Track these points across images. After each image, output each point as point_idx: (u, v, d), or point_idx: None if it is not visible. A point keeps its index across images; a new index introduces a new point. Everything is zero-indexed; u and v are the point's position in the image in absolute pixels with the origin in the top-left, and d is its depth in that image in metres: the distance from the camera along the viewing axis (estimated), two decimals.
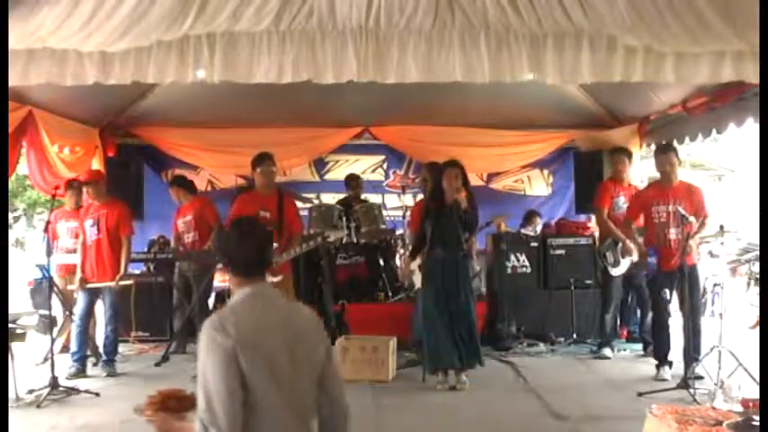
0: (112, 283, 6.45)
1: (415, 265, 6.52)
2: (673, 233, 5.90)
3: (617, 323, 7.36)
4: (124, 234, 6.61)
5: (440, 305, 5.86)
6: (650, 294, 6.40)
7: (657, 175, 6.36)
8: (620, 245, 6.84)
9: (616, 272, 6.95)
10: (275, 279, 6.22)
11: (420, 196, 7.99)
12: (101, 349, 6.67)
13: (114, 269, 6.48)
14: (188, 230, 7.43)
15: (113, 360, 6.60)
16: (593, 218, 9.05)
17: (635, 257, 6.68)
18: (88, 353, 6.60)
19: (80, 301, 6.46)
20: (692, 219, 5.64)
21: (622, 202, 6.97)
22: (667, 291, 5.92)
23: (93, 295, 6.51)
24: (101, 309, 6.79)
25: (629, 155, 7.52)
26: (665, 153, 6.18)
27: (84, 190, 6.75)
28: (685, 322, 5.69)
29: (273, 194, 6.33)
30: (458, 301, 5.80)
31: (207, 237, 7.38)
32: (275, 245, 6.18)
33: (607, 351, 6.99)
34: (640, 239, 6.40)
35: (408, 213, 7.88)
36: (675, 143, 7.76)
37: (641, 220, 6.38)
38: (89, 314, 6.55)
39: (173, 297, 7.66)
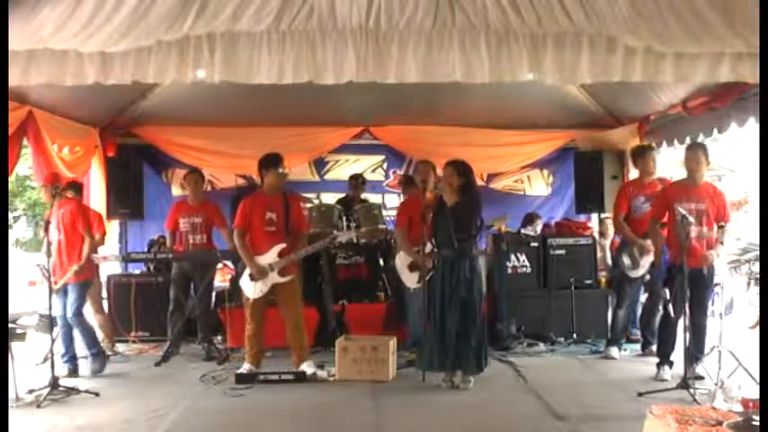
0: (74, 268, 6.25)
1: (404, 263, 6.52)
2: (695, 231, 5.75)
3: (629, 322, 7.31)
4: (83, 230, 6.41)
5: (436, 306, 5.87)
6: (669, 293, 6.31)
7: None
8: (635, 247, 6.75)
9: (635, 273, 6.80)
10: (285, 279, 6.23)
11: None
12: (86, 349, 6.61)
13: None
14: (194, 231, 7.35)
15: (97, 354, 6.49)
16: (593, 217, 9.10)
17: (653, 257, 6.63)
18: (85, 354, 6.58)
19: (57, 302, 6.41)
20: (692, 219, 5.61)
21: (641, 202, 6.78)
22: (667, 289, 5.91)
23: (65, 295, 6.44)
24: (89, 309, 6.77)
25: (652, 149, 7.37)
26: (692, 151, 6.05)
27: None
28: (689, 322, 5.64)
29: (279, 195, 6.33)
30: (453, 302, 5.80)
31: (211, 239, 7.42)
32: (282, 246, 6.21)
33: (614, 351, 6.92)
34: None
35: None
36: (676, 143, 7.79)
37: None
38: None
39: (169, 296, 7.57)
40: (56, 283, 6.28)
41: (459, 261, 5.82)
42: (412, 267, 6.49)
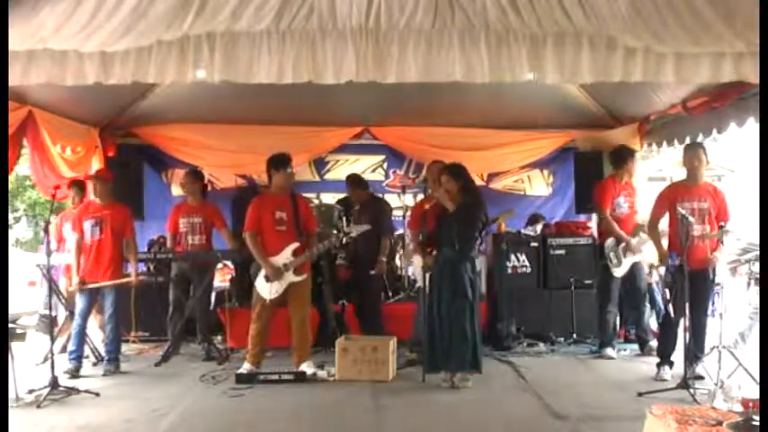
0: (132, 279, 6.52)
1: (419, 264, 6.52)
2: (698, 230, 5.79)
3: (617, 322, 7.33)
4: (130, 235, 6.65)
5: (434, 306, 5.90)
6: (670, 293, 6.31)
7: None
8: (623, 244, 6.81)
9: (618, 272, 6.89)
10: (299, 278, 6.23)
11: (420, 196, 8.01)
12: (102, 349, 6.66)
13: (115, 269, 6.48)
14: (194, 232, 7.38)
15: (116, 359, 6.59)
16: (594, 217, 9.09)
17: (638, 257, 6.65)
18: (86, 353, 6.59)
19: (80, 300, 6.45)
20: (692, 219, 5.62)
21: (623, 201, 6.94)
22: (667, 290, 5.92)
23: (94, 295, 6.49)
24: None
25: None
26: (693, 150, 6.10)
27: (91, 185, 6.69)
28: (690, 322, 5.64)
29: (287, 195, 6.34)
30: (450, 302, 5.81)
31: (210, 239, 7.44)
32: (296, 245, 6.21)
33: (610, 351, 6.96)
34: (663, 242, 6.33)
35: (409, 213, 7.89)
36: (676, 143, 7.78)
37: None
38: (88, 314, 6.54)
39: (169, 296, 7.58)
40: (84, 278, 6.39)
41: (461, 262, 5.83)
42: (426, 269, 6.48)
